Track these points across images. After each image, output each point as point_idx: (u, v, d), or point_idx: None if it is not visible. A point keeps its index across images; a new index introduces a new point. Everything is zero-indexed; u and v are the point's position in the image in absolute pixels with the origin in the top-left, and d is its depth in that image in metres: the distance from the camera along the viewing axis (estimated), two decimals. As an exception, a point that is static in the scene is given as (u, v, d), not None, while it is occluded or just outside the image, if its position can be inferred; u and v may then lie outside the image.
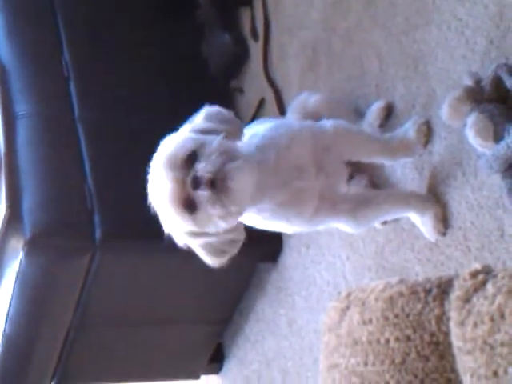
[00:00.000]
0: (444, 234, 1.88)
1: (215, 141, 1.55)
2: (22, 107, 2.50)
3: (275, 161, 1.69)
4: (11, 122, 2.47)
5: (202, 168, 1.51)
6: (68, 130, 2.47)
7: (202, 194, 1.51)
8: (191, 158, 1.53)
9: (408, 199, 1.91)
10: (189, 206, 1.53)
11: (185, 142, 1.56)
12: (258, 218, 1.74)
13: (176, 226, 1.59)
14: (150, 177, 1.58)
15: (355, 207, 1.81)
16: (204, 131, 1.60)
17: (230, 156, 1.54)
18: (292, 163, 1.72)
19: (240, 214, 1.59)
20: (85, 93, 2.57)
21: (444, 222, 1.88)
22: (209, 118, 1.65)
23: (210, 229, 1.57)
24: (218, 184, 1.51)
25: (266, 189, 1.67)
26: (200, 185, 1.51)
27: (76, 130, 2.47)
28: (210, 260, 1.66)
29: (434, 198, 1.90)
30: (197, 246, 1.63)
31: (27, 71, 2.59)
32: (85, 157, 2.40)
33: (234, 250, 1.65)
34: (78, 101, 2.54)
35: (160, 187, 1.55)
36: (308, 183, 1.73)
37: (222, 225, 1.56)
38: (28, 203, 2.28)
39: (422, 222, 1.91)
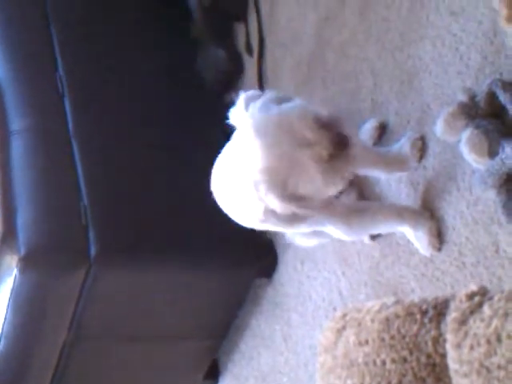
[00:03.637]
0: (439, 250, 1.88)
1: None
2: (16, 123, 2.49)
3: None
4: (6, 138, 2.46)
5: None
6: (63, 146, 2.46)
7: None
8: None
9: (401, 212, 1.90)
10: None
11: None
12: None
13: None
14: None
15: (350, 213, 1.81)
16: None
17: None
18: None
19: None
20: (80, 108, 2.56)
21: (439, 237, 1.87)
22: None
23: None
24: None
25: None
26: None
27: (71, 146, 2.46)
28: None
29: (429, 213, 1.89)
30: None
31: (22, 87, 2.58)
32: (79, 173, 2.39)
33: None
34: (72, 117, 2.53)
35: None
36: None
37: None
38: (22, 220, 2.27)
39: (416, 237, 1.91)
